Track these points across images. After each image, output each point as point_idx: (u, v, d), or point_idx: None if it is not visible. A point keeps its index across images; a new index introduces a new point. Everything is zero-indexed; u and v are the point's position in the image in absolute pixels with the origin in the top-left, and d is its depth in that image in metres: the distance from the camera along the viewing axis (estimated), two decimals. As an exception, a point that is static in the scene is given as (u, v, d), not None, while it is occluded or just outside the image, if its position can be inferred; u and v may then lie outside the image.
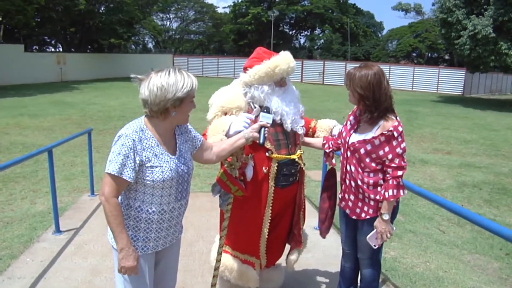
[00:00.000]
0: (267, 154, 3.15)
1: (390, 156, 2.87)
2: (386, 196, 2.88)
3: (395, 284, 4.16)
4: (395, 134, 2.86)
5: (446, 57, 57.29)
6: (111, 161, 2.28)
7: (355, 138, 3.01)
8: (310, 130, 3.62)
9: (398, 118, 2.95)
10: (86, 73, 33.65)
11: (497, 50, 22.35)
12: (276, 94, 3.22)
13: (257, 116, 3.18)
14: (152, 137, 2.37)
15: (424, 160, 10.03)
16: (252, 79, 3.23)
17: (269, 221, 3.33)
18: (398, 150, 2.86)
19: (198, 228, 5.23)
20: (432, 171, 9.07)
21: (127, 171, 2.27)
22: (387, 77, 2.98)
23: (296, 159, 3.27)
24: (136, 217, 2.39)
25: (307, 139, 3.55)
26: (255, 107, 3.24)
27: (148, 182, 2.33)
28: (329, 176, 3.49)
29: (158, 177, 2.33)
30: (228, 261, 3.37)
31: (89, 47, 41.34)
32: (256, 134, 2.87)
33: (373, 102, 2.88)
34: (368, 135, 2.93)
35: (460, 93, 33.73)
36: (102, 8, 37.26)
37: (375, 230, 2.97)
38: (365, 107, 2.94)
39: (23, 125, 12.83)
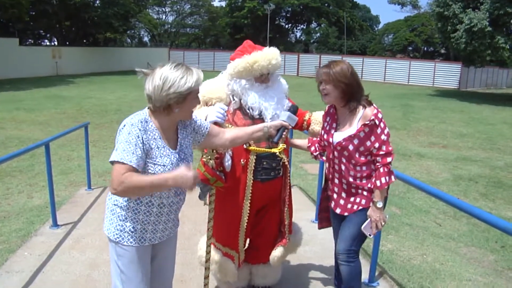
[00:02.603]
0: (244, 146, 3.12)
1: (377, 145, 2.87)
2: (378, 184, 2.88)
3: (392, 277, 4.18)
4: (377, 122, 2.87)
5: (442, 51, 57.33)
6: (118, 149, 2.22)
7: (339, 136, 2.98)
8: (305, 123, 3.55)
9: (374, 105, 2.97)
10: (82, 67, 33.47)
11: (494, 44, 22.40)
12: (255, 90, 3.20)
13: (236, 109, 3.21)
14: (155, 129, 2.35)
15: (420, 154, 10.06)
16: (232, 72, 3.24)
17: (248, 214, 3.30)
18: (383, 137, 2.87)
19: (195, 222, 5.24)
20: (429, 165, 9.10)
21: (135, 158, 2.21)
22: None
23: (277, 153, 3.19)
24: (135, 209, 2.39)
25: (294, 141, 3.53)
26: (234, 100, 3.24)
27: (149, 175, 2.32)
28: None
29: (159, 170, 2.32)
30: (211, 252, 3.36)
31: (85, 41, 41.12)
32: (274, 132, 2.87)
33: (358, 91, 2.93)
34: (352, 130, 2.92)
35: (456, 87, 33.80)
36: (98, 2, 37.01)
37: (369, 219, 2.95)
38: (348, 97, 2.93)
39: (19, 119, 12.78)
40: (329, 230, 3.45)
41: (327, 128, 3.10)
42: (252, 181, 3.21)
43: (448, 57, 48.14)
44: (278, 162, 3.26)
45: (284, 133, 2.95)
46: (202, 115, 3.02)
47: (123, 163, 2.19)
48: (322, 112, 3.54)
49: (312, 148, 3.32)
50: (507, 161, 9.68)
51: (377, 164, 2.90)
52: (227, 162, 3.12)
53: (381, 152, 2.87)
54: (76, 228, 5.09)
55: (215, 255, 3.37)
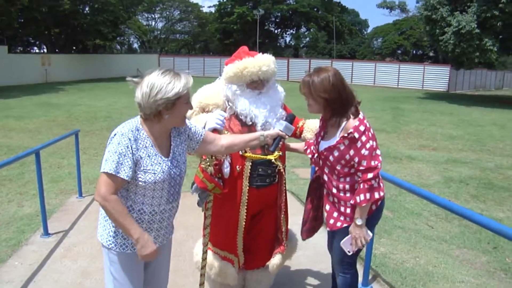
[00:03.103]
0: (240, 152, 3.11)
1: (356, 159, 2.71)
2: (358, 200, 2.73)
3: (385, 280, 4.19)
4: (356, 135, 2.68)
5: (431, 54, 57.75)
6: (107, 160, 2.24)
7: (323, 145, 2.90)
8: (298, 130, 3.53)
9: (361, 116, 2.77)
10: (71, 74, 33.34)
11: (482, 47, 22.62)
12: (247, 96, 3.18)
13: (232, 115, 3.19)
14: (147, 137, 2.35)
15: (411, 157, 10.10)
16: (224, 77, 3.24)
17: (245, 219, 3.30)
18: (363, 151, 2.69)
19: (188, 228, 5.22)
20: (419, 167, 9.14)
21: (123, 170, 2.23)
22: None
23: (273, 160, 3.17)
24: (127, 217, 2.38)
25: (291, 145, 3.48)
26: (229, 106, 3.23)
27: (140, 183, 2.32)
28: (315, 179, 3.33)
29: (149, 178, 2.31)
30: (209, 257, 3.35)
31: (74, 47, 41.01)
32: (270, 141, 2.83)
33: (341, 104, 2.75)
34: (333, 141, 2.80)
35: (445, 90, 34.06)
36: (87, 9, 36.99)
37: (349, 235, 2.84)
38: (331, 111, 2.79)
39: (8, 127, 12.68)
40: (322, 235, 3.44)
41: (317, 135, 3.04)
42: (248, 188, 3.20)
43: (437, 60, 48.51)
44: (274, 169, 3.25)
45: (281, 142, 2.93)
46: (201, 121, 3.02)
47: (111, 174, 2.21)
48: (317, 120, 3.47)
49: (308, 151, 3.22)
50: (497, 163, 9.74)
51: (358, 179, 2.75)
52: (226, 168, 3.10)
53: (361, 168, 2.71)
54: (67, 237, 5.05)
55: (214, 260, 3.36)
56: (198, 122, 3.03)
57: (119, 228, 2.30)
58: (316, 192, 3.20)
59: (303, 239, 3.33)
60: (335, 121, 2.82)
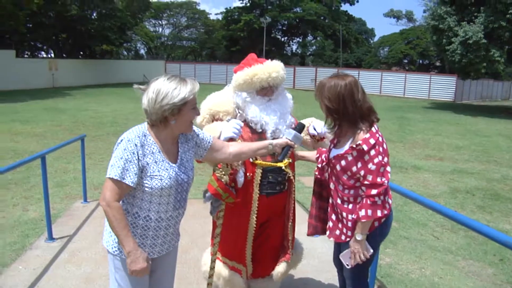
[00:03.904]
0: (251, 160, 3.10)
1: (362, 173, 2.64)
2: (359, 215, 2.66)
3: (390, 291, 4.16)
4: (365, 148, 2.61)
5: (437, 63, 57.75)
6: (113, 166, 2.25)
7: (333, 153, 2.83)
8: (310, 135, 3.49)
9: (374, 129, 2.69)
10: (78, 79, 33.49)
11: (489, 57, 22.56)
12: (257, 103, 3.19)
13: (244, 123, 3.18)
14: (154, 143, 2.35)
15: (417, 166, 10.06)
16: (234, 85, 3.24)
17: (254, 228, 3.29)
18: (370, 166, 2.61)
19: (193, 235, 5.21)
20: (425, 177, 9.09)
21: (129, 176, 2.24)
22: (361, 88, 2.74)
23: (283, 167, 3.15)
24: (133, 223, 2.37)
25: (302, 153, 3.43)
26: (239, 113, 3.23)
27: (146, 189, 2.31)
28: (316, 180, 3.26)
29: (156, 184, 2.31)
30: (217, 266, 3.33)
31: (81, 53, 41.19)
32: (279, 150, 2.81)
33: (343, 116, 2.70)
34: (342, 150, 2.74)
35: (451, 100, 33.95)
36: (94, 14, 37.20)
37: (349, 248, 2.79)
38: (334, 120, 2.76)
39: (15, 131, 12.72)
40: (327, 243, 3.41)
41: (331, 141, 2.97)
42: (258, 195, 3.19)
43: (443, 69, 48.45)
44: (284, 176, 3.25)
45: (289, 152, 2.91)
46: (217, 130, 3.02)
47: (116, 180, 2.22)
48: (306, 120, 3.46)
49: (319, 159, 3.16)
50: (504, 173, 9.68)
51: (362, 193, 2.68)
52: (241, 178, 3.09)
53: (366, 182, 2.63)
54: (72, 242, 5.04)
55: (222, 270, 3.34)
56: (213, 130, 3.04)
57: (116, 235, 2.29)
58: (321, 193, 3.17)
59: (307, 235, 3.27)
60: (341, 131, 2.78)
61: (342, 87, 2.67)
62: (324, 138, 3.40)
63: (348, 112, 2.68)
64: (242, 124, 3.11)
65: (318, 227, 3.18)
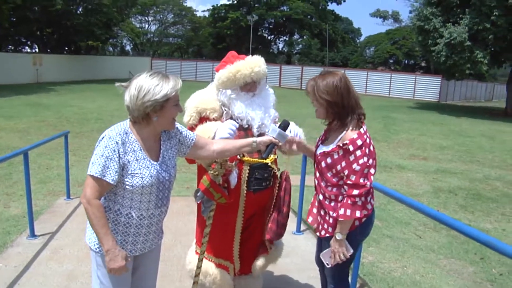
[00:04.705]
0: (238, 157, 3.11)
1: (346, 172, 2.65)
2: (339, 213, 2.68)
3: (373, 289, 4.19)
4: (351, 148, 2.63)
5: (423, 64, 58.16)
6: (94, 163, 2.24)
7: (320, 149, 2.85)
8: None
9: (362, 130, 2.71)
10: (63, 74, 33.15)
11: (473, 59, 22.80)
12: (242, 99, 3.20)
13: (228, 119, 3.18)
14: (136, 141, 2.34)
15: (401, 166, 10.14)
16: (217, 83, 3.25)
17: (242, 225, 3.30)
18: (355, 166, 2.63)
19: (176, 233, 5.19)
20: (409, 177, 9.17)
21: (109, 173, 2.24)
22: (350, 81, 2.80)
23: (269, 163, 3.21)
24: (115, 219, 2.36)
25: (307, 145, 3.26)
26: (225, 111, 3.24)
27: (127, 187, 2.30)
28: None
29: (137, 182, 2.30)
30: (204, 264, 3.32)
31: (66, 48, 40.77)
32: (263, 147, 2.81)
33: (343, 109, 2.71)
34: (329, 148, 2.75)
35: (436, 100, 34.29)
36: (80, 9, 36.82)
37: (330, 248, 2.80)
38: (333, 114, 2.75)
39: (-3, 126, 12.57)
40: (310, 241, 3.43)
41: (319, 138, 2.99)
42: (245, 192, 3.21)
43: (429, 70, 48.84)
44: (270, 172, 3.28)
45: (274, 150, 2.92)
46: (211, 130, 3.02)
47: (97, 177, 2.22)
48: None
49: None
50: (486, 174, 9.80)
51: (344, 192, 2.70)
52: (234, 179, 3.09)
53: (349, 182, 2.65)
54: (54, 239, 5.00)
55: (209, 268, 3.34)
56: (207, 130, 3.05)
57: (96, 233, 2.28)
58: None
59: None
60: (337, 126, 2.77)
61: (337, 81, 2.71)
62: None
63: (344, 104, 2.71)
64: (238, 125, 3.12)
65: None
